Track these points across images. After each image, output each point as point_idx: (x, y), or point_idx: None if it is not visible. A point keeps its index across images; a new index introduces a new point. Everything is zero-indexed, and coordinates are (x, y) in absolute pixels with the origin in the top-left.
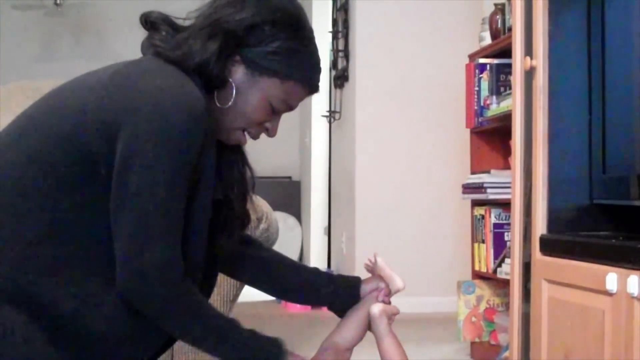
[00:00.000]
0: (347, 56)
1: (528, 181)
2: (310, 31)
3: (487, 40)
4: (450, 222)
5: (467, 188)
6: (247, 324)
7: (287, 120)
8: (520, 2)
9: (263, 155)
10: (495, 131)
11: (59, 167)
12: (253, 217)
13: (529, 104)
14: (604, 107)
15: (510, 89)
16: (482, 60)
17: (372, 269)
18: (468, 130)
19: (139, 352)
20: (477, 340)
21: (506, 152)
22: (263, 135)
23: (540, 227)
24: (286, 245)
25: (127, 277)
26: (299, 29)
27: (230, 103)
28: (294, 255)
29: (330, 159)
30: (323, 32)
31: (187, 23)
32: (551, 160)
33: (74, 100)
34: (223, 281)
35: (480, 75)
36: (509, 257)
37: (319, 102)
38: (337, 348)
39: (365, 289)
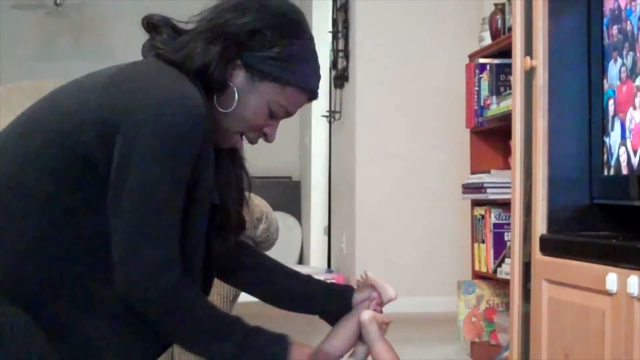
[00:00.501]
0: (347, 56)
1: (528, 181)
2: (311, 38)
3: (487, 40)
4: (450, 222)
5: (467, 188)
6: None
7: (287, 120)
8: (520, 2)
9: (263, 155)
10: (495, 131)
11: (59, 167)
12: (253, 217)
13: (529, 104)
14: (604, 107)
15: (510, 89)
16: (482, 60)
17: (364, 283)
18: (468, 130)
19: (138, 353)
20: (477, 340)
21: (506, 152)
22: None
23: (540, 227)
24: (286, 245)
25: (124, 277)
26: (299, 35)
27: (231, 108)
28: (294, 255)
29: (330, 159)
30: (323, 32)
31: (188, 26)
32: (551, 160)
33: (74, 100)
34: None
35: (480, 75)
36: (509, 257)
37: (319, 102)
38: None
39: (357, 298)
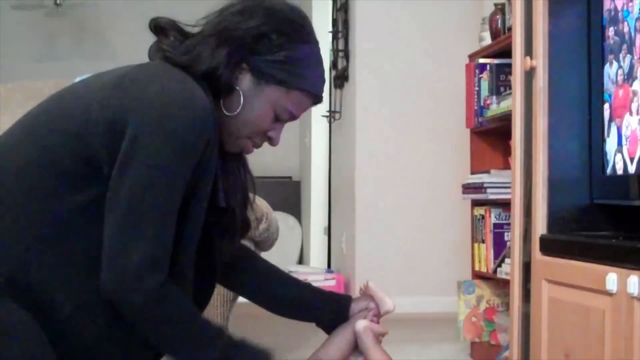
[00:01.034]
0: (347, 56)
1: (528, 181)
2: (317, 42)
3: (487, 40)
4: (450, 222)
5: (467, 188)
6: (246, 324)
7: None
8: (520, 2)
9: (263, 155)
10: (495, 131)
11: (64, 167)
12: (253, 217)
13: (529, 104)
14: (604, 107)
15: (510, 89)
16: (482, 60)
17: (365, 292)
18: (468, 130)
19: (138, 354)
20: (477, 340)
21: (506, 152)
22: None
23: (540, 227)
24: (286, 245)
25: (109, 274)
26: (305, 40)
27: (237, 111)
28: (294, 255)
29: (330, 159)
30: (323, 32)
31: (195, 30)
32: (551, 161)
33: (80, 101)
34: None
35: (480, 75)
36: (509, 257)
37: None
38: None
39: (354, 308)
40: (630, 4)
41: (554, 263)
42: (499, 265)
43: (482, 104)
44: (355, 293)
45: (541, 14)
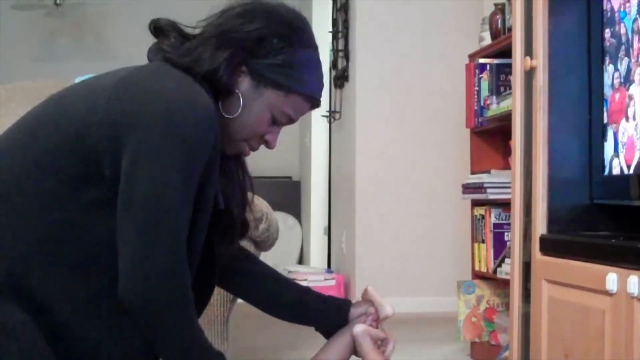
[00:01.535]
0: (347, 56)
1: (528, 181)
2: (316, 47)
3: (487, 40)
4: (450, 222)
5: (467, 188)
6: (246, 324)
7: None
8: (520, 2)
9: (263, 155)
10: (495, 131)
11: (64, 168)
12: (253, 217)
13: (529, 104)
14: (604, 107)
15: (510, 89)
16: (482, 60)
17: (364, 297)
18: (468, 130)
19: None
20: (477, 340)
21: (506, 152)
22: None
23: (540, 227)
24: (286, 245)
25: (132, 280)
26: (305, 44)
27: (237, 114)
28: (294, 255)
29: (330, 159)
30: (323, 32)
31: (195, 31)
32: (551, 160)
33: (81, 101)
34: None
35: (480, 75)
36: (509, 257)
37: None
38: None
39: (354, 312)
40: (627, 5)
41: (554, 263)
42: (499, 265)
43: (482, 104)
44: (355, 293)
45: (541, 14)
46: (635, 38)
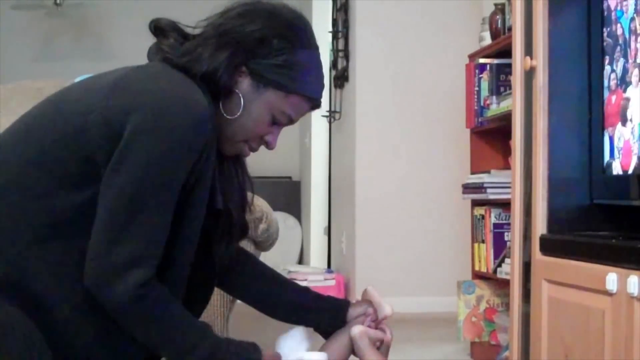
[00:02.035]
0: (347, 56)
1: (528, 181)
2: (317, 47)
3: (487, 40)
4: (450, 222)
5: (467, 188)
6: (246, 324)
7: None
8: (520, 2)
9: (263, 155)
10: (495, 131)
11: (61, 168)
12: (253, 217)
13: (529, 104)
14: (604, 107)
15: (510, 89)
16: (482, 60)
17: (364, 296)
18: (468, 130)
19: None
20: (477, 340)
21: (506, 152)
22: None
23: (540, 227)
24: (286, 245)
25: (91, 268)
26: (306, 45)
27: (237, 114)
28: (294, 255)
29: (330, 159)
30: (323, 32)
31: (195, 31)
32: (551, 160)
33: (79, 101)
34: None
35: (480, 75)
36: (509, 257)
37: None
38: None
39: (352, 313)
40: (624, 4)
41: (554, 263)
42: (499, 265)
43: (482, 104)
44: (355, 293)
45: (541, 14)
46: (633, 38)
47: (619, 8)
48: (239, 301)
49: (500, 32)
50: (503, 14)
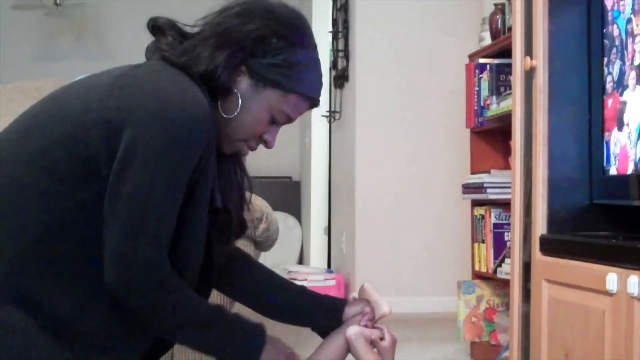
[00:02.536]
0: (347, 56)
1: (528, 181)
2: (315, 46)
3: (487, 40)
4: (450, 222)
5: (467, 188)
6: None
7: None
8: (520, 2)
9: (263, 155)
10: (495, 131)
11: (61, 167)
12: (253, 217)
13: (529, 104)
14: (604, 107)
15: (510, 89)
16: (482, 60)
17: (360, 293)
18: (468, 130)
19: (133, 353)
20: (477, 340)
21: (506, 152)
22: None
23: (540, 227)
24: (286, 245)
25: (117, 273)
26: (304, 44)
27: (235, 113)
28: (294, 255)
29: (330, 159)
30: (323, 32)
31: (194, 30)
32: (551, 160)
33: (78, 100)
34: None
35: (480, 75)
36: (509, 257)
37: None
38: None
39: (348, 312)
40: (621, 3)
41: (554, 263)
42: (499, 265)
43: (482, 104)
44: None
45: (541, 14)
46: (630, 40)
47: (615, 8)
48: None
49: (500, 32)
50: (503, 14)
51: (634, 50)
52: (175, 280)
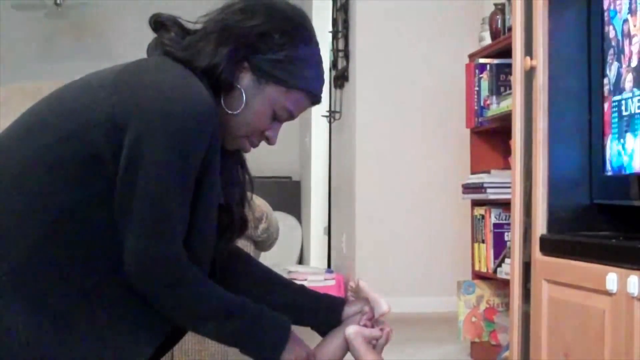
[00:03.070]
0: (347, 56)
1: (528, 181)
2: (317, 43)
3: (487, 40)
4: (450, 222)
5: (467, 188)
6: None
7: None
8: (520, 2)
9: (263, 155)
10: (495, 131)
11: (65, 165)
12: (253, 217)
13: (529, 104)
14: (604, 107)
15: (510, 89)
16: (482, 60)
17: (356, 292)
18: (468, 130)
19: (142, 348)
20: (477, 340)
21: (506, 152)
22: None
23: (540, 227)
24: (286, 245)
25: (135, 268)
26: (306, 40)
27: (238, 109)
28: (294, 255)
29: (330, 159)
30: (323, 32)
31: (196, 26)
32: (551, 160)
33: (80, 98)
34: None
35: (480, 75)
36: (509, 257)
37: None
38: None
39: (348, 311)
40: (617, 3)
41: (554, 263)
42: (499, 265)
43: (482, 104)
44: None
45: (541, 14)
46: (626, 42)
47: (612, 8)
48: None
49: (500, 32)
50: (503, 14)
51: (630, 52)
52: (195, 271)
